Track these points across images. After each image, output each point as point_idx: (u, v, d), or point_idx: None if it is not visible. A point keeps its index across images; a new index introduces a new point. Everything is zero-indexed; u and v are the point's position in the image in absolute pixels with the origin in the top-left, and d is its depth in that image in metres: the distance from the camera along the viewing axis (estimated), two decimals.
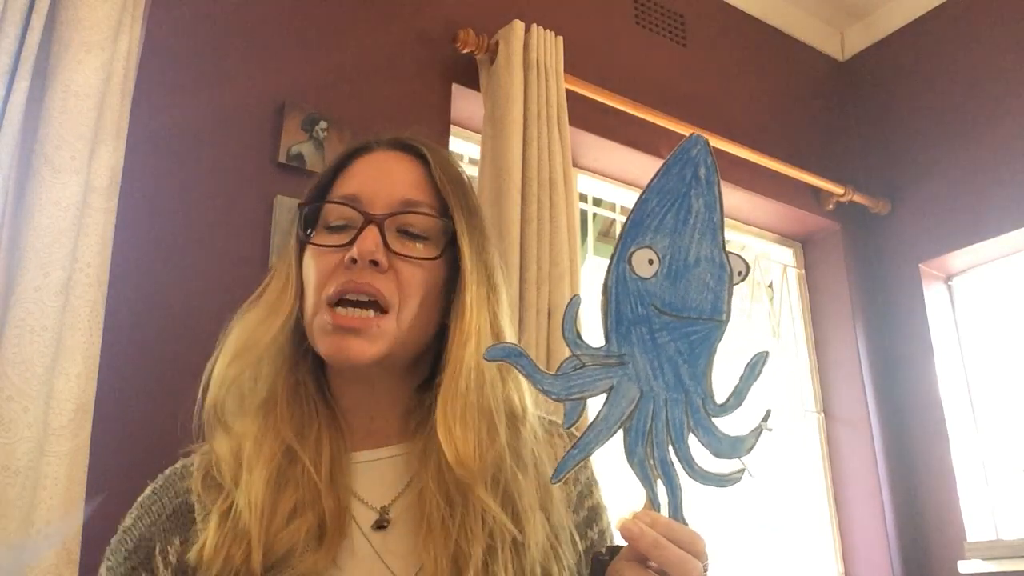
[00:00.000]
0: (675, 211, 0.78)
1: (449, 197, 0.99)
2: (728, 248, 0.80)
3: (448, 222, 0.98)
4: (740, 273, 0.78)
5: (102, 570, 0.94)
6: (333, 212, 0.98)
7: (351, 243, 0.93)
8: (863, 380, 3.27)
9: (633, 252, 0.77)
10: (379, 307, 0.93)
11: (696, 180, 0.78)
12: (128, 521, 0.96)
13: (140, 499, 0.98)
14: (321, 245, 0.96)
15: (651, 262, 0.77)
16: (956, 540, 3.01)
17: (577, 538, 0.97)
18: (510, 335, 1.01)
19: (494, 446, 0.91)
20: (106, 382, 1.74)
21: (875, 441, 3.19)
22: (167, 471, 1.01)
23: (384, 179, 0.99)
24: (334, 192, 1.00)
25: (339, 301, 0.93)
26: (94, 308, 1.71)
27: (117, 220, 1.80)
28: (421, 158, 1.02)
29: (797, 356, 3.44)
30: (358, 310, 0.92)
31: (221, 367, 0.95)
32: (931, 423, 3.17)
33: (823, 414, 3.37)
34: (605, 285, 0.78)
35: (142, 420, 1.79)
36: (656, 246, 0.78)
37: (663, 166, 0.79)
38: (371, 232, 0.93)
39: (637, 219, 0.78)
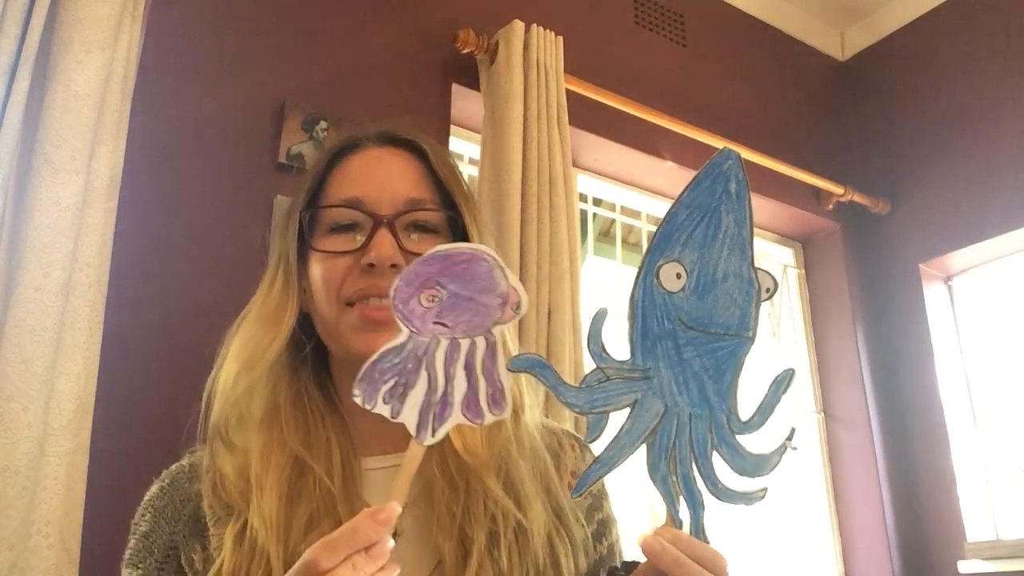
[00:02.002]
0: (705, 225, 0.77)
1: (454, 191, 0.99)
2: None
3: (454, 215, 0.98)
4: (768, 289, 0.78)
5: None
6: (336, 213, 0.97)
7: (364, 247, 0.93)
8: (863, 380, 3.27)
9: (661, 266, 0.77)
10: None
11: (727, 195, 0.78)
12: (145, 526, 0.95)
13: (149, 499, 0.97)
14: (330, 251, 0.95)
15: (679, 276, 0.76)
16: (956, 540, 3.01)
17: (584, 521, 0.98)
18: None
19: (500, 436, 0.93)
20: (106, 382, 1.74)
21: (875, 441, 3.19)
22: (173, 468, 1.00)
23: (385, 178, 0.98)
24: (332, 194, 0.99)
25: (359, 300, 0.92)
26: (94, 308, 1.71)
27: (117, 220, 1.79)
28: (416, 152, 1.01)
29: (797, 356, 3.44)
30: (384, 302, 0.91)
31: (227, 381, 0.94)
32: (931, 423, 3.17)
33: (823, 414, 3.37)
34: (632, 298, 0.77)
35: (142, 420, 1.79)
36: (684, 260, 0.77)
37: (694, 180, 0.78)
38: (385, 235, 0.92)
39: (666, 232, 0.77)
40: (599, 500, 1.04)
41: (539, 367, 0.75)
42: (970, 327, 3.31)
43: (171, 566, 0.91)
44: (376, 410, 0.73)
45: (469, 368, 0.75)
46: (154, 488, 0.98)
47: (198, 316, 1.90)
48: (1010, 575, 2.82)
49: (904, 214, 3.44)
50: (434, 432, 0.74)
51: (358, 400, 0.74)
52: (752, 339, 0.78)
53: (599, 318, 0.75)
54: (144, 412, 1.80)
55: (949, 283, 3.40)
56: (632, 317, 0.77)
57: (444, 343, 0.75)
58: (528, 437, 0.97)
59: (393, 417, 0.73)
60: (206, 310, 1.91)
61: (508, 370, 0.75)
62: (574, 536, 0.94)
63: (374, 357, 0.74)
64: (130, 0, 1.88)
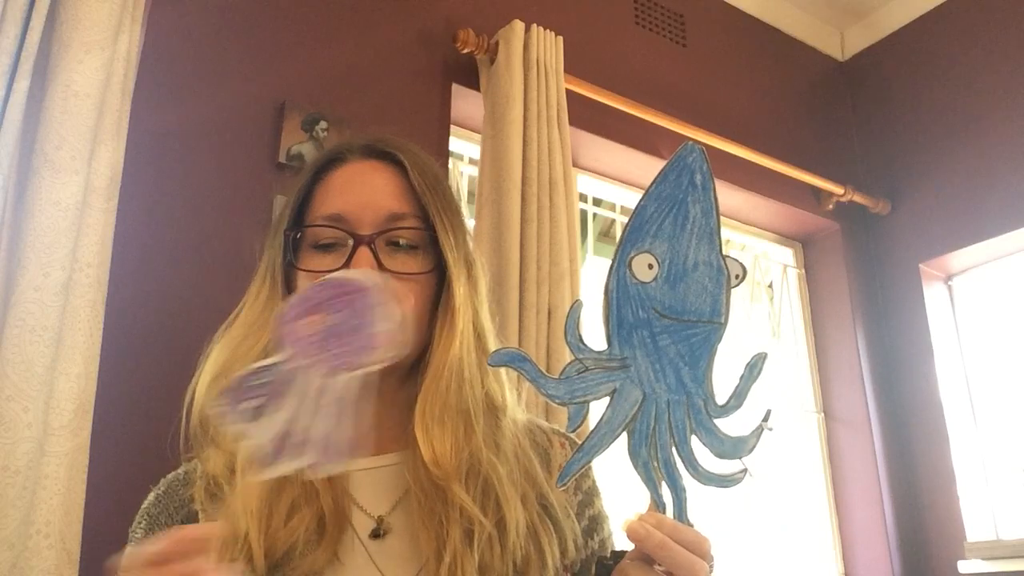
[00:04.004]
0: (673, 217, 0.80)
1: (428, 205, 1.00)
2: (726, 250, 0.81)
3: (432, 231, 0.99)
4: (737, 276, 0.80)
5: None
6: (320, 231, 0.99)
7: (344, 266, 0.94)
8: (863, 380, 3.27)
9: (633, 257, 0.79)
10: None
11: (692, 186, 0.80)
12: (140, 534, 0.96)
13: (145, 507, 0.99)
14: (314, 271, 0.97)
15: (651, 267, 0.79)
16: (956, 540, 3.01)
17: (574, 517, 0.99)
18: (489, 327, 1.03)
19: (470, 443, 0.94)
20: (106, 382, 1.74)
21: (875, 441, 3.19)
22: (169, 476, 1.01)
23: (366, 194, 0.99)
24: (316, 210, 1.01)
25: None
26: (94, 308, 1.71)
27: (117, 220, 1.80)
28: (398, 164, 1.03)
29: (797, 356, 3.44)
30: None
31: (203, 388, 0.95)
32: (931, 423, 3.17)
33: (823, 414, 3.37)
34: (606, 289, 0.79)
35: (142, 420, 1.79)
36: (655, 251, 0.79)
37: (660, 173, 0.80)
38: (364, 255, 0.94)
39: (636, 224, 0.80)
40: (590, 497, 1.05)
41: (518, 360, 0.77)
42: (970, 327, 3.31)
43: None
44: (231, 426, 0.70)
45: (331, 404, 0.70)
46: (150, 496, 1.00)
47: (198, 316, 1.90)
48: (1010, 575, 2.82)
49: (904, 214, 3.44)
50: (279, 467, 0.70)
51: (217, 412, 0.71)
52: (724, 325, 0.80)
53: (575, 310, 0.77)
54: (144, 412, 1.80)
55: (949, 283, 3.40)
56: (607, 308, 0.79)
57: (317, 371, 0.71)
58: (510, 438, 0.98)
59: (245, 438, 0.70)
60: (206, 310, 1.91)
61: (489, 364, 0.77)
62: (562, 528, 0.95)
63: (245, 372, 0.71)
64: (130, 0, 1.89)
